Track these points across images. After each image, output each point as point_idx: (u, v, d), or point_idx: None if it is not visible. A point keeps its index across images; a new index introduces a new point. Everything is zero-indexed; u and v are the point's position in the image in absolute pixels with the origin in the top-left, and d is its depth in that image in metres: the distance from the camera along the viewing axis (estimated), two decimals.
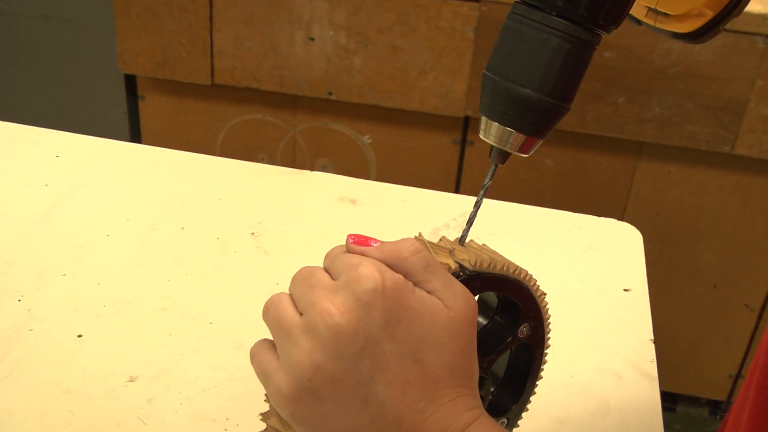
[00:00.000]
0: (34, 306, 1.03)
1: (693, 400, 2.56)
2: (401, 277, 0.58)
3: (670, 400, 2.55)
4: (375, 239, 0.61)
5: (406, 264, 0.59)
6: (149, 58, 2.23)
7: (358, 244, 0.61)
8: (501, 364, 0.75)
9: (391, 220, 1.23)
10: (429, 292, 0.59)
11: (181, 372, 0.95)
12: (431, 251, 0.63)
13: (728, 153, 2.07)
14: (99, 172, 1.29)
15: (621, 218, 2.22)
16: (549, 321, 0.74)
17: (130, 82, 2.35)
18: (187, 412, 0.90)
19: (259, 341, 0.60)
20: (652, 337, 1.06)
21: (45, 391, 0.92)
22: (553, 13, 0.62)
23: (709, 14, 0.70)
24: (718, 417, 2.53)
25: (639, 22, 0.75)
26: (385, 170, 2.29)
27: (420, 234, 0.66)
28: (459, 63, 2.07)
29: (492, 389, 0.74)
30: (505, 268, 0.67)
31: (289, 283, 0.60)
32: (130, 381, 0.94)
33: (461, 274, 0.64)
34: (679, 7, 0.71)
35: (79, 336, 0.99)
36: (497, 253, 0.69)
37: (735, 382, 2.41)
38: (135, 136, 2.41)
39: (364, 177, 2.28)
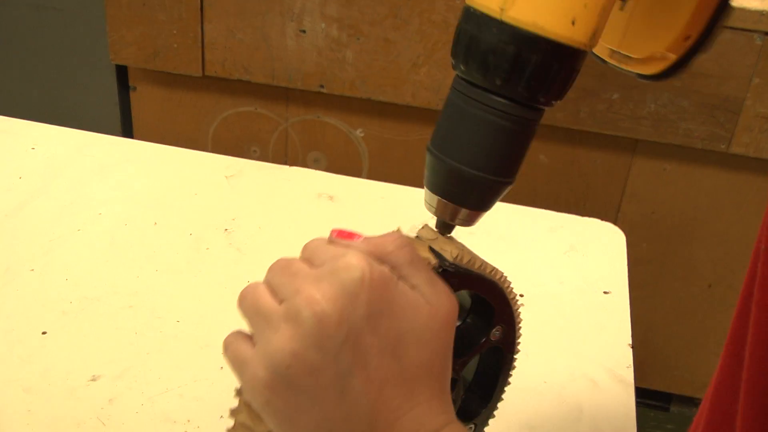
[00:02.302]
0: (0, 301, 1.01)
1: (687, 400, 2.53)
2: (387, 269, 0.56)
3: (663, 399, 2.53)
4: (359, 234, 0.60)
5: (391, 258, 0.57)
6: (140, 49, 2.21)
7: (342, 237, 0.59)
8: (470, 367, 0.74)
9: (369, 217, 1.21)
10: (412, 287, 0.57)
11: (145, 372, 0.94)
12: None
13: (724, 151, 2.04)
14: (74, 165, 1.27)
15: (615, 216, 2.21)
16: (520, 326, 0.72)
17: (122, 72, 2.33)
18: (148, 413, 0.89)
19: (233, 332, 0.58)
20: (630, 342, 1.04)
21: (5, 390, 0.90)
22: (493, 92, 0.60)
23: (673, 57, 0.69)
24: None
25: (604, 62, 0.74)
26: (378, 164, 2.27)
27: (399, 229, 0.64)
28: None
29: (461, 393, 0.72)
30: (482, 267, 0.66)
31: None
32: (92, 380, 0.92)
33: (439, 270, 0.63)
34: (641, 50, 0.70)
35: (44, 333, 0.98)
36: (474, 253, 0.68)
37: None
38: (126, 128, 2.39)
39: (357, 171, 2.28)
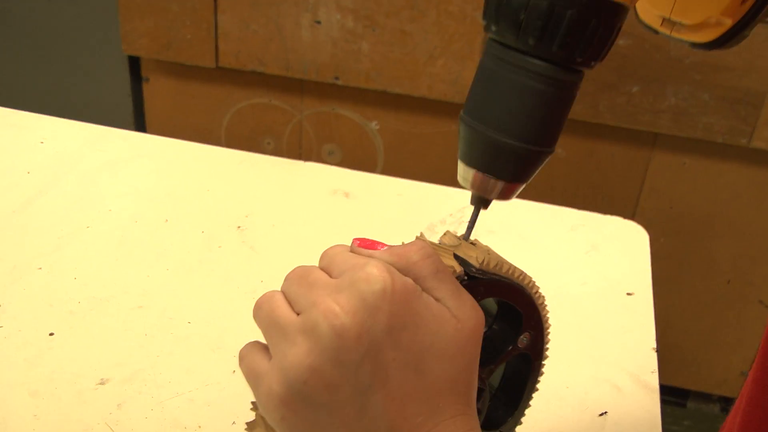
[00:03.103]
0: (6, 301, 0.99)
1: (704, 397, 2.51)
2: (410, 280, 0.53)
3: (680, 396, 2.50)
4: (382, 243, 0.56)
5: (416, 268, 0.54)
6: (153, 40, 2.18)
7: (364, 247, 0.56)
8: (497, 374, 0.71)
9: (385, 215, 1.18)
10: (436, 300, 0.54)
11: (155, 375, 0.91)
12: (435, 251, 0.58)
13: (745, 146, 2.01)
14: (84, 160, 1.24)
15: (633, 211, 2.18)
16: (549, 331, 0.69)
17: (134, 63, 2.30)
18: (157, 419, 0.86)
19: (249, 343, 0.55)
20: (655, 346, 1.01)
21: (10, 393, 0.87)
22: (528, 53, 0.57)
23: (728, 23, 0.64)
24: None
25: (655, 32, 0.69)
26: (393, 157, 2.24)
27: (422, 234, 0.61)
28: (469, 49, 2.01)
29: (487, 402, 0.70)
30: (510, 271, 0.63)
31: (273, 282, 0.55)
32: (101, 384, 0.89)
33: (465, 278, 0.60)
34: (694, 16, 0.65)
35: (51, 334, 0.95)
36: (501, 256, 0.65)
37: None
38: (139, 119, 2.37)
39: (372, 163, 2.25)
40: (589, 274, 1.11)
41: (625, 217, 1.23)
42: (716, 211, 2.15)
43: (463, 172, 0.62)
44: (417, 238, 0.61)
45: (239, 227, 1.13)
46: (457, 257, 0.61)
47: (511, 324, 0.67)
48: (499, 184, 0.61)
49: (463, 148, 0.62)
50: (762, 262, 2.19)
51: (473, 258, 0.61)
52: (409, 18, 2.01)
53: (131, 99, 2.37)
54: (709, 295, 2.27)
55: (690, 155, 2.10)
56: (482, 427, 0.69)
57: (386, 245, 0.56)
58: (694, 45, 0.67)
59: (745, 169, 2.08)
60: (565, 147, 2.13)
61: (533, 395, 0.72)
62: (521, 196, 1.25)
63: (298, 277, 0.54)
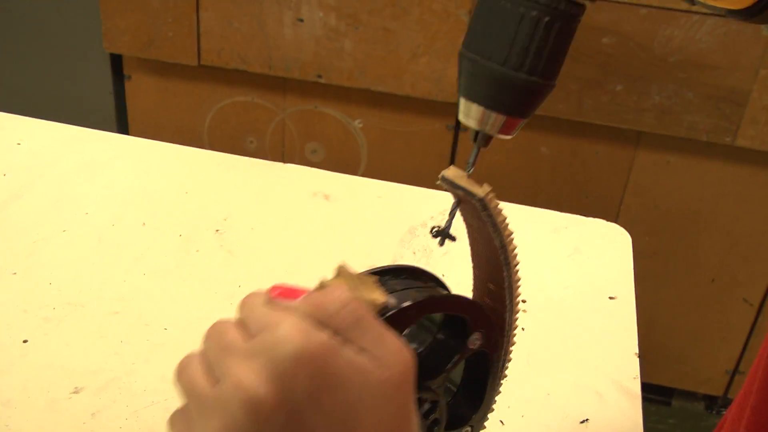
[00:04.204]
0: None
1: (689, 395, 2.51)
2: (326, 337, 0.50)
3: (665, 394, 2.50)
4: (302, 290, 0.53)
5: (335, 320, 0.51)
6: (135, 37, 2.17)
7: (282, 296, 0.53)
8: (458, 370, 0.70)
9: (365, 217, 1.17)
10: (360, 349, 0.51)
11: (130, 383, 0.90)
12: (356, 285, 0.56)
13: (729, 144, 2.01)
14: (61, 162, 1.23)
15: (617, 209, 2.17)
16: (517, 316, 0.69)
17: (116, 61, 2.29)
18: (132, 428, 0.85)
19: (178, 410, 0.52)
20: (637, 351, 1.00)
21: None
22: None
23: None
24: (714, 412, 2.48)
25: (692, 1, 0.67)
26: (377, 156, 2.23)
27: (344, 264, 0.58)
28: (452, 47, 2.00)
29: (448, 399, 0.68)
30: (504, 224, 0.64)
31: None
32: (75, 393, 0.88)
33: (393, 307, 0.58)
34: None
35: (25, 341, 0.94)
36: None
37: (732, 378, 2.36)
38: (121, 117, 2.35)
39: (355, 162, 2.24)
40: (572, 278, 1.10)
41: (609, 216, 1.23)
42: (700, 209, 2.15)
43: (465, 108, 0.62)
44: (339, 267, 0.57)
45: (217, 231, 1.12)
46: (379, 281, 0.59)
47: (457, 329, 0.65)
48: (501, 119, 0.62)
49: (464, 84, 0.62)
50: (746, 260, 2.19)
51: (480, 188, 0.61)
52: (391, 16, 2.00)
53: (113, 97, 2.35)
54: (693, 293, 2.27)
55: (674, 154, 2.09)
56: (449, 426, 0.68)
57: (306, 290, 0.53)
58: (731, 13, 0.64)
59: (729, 168, 2.08)
60: (548, 145, 2.12)
61: (502, 382, 0.71)
62: (503, 198, 1.24)
63: (214, 338, 0.51)
